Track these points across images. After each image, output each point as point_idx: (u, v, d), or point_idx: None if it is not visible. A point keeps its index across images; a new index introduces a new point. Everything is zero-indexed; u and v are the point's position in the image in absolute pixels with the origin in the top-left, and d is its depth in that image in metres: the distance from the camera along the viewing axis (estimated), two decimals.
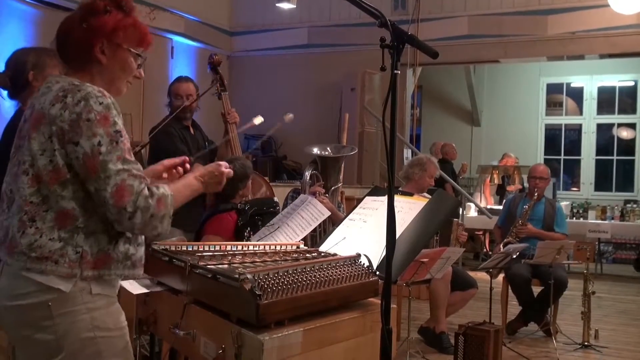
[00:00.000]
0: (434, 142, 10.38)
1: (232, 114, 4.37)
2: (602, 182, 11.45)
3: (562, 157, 11.81)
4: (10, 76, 2.68)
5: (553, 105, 11.89)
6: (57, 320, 1.69)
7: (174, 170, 2.11)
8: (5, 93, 2.73)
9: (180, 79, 4.33)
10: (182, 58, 8.74)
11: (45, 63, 2.67)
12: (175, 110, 4.17)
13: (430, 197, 2.81)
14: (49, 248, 1.68)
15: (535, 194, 5.32)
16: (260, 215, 3.39)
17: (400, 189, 4.39)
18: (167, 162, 2.13)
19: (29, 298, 1.68)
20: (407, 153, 8.87)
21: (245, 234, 3.27)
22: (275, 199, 3.88)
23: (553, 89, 11.80)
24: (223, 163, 2.04)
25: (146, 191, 1.68)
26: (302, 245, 2.56)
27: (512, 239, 5.19)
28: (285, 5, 9.02)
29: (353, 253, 2.20)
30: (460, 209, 7.98)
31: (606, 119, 11.49)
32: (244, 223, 3.28)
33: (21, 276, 1.68)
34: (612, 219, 8.69)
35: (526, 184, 6.43)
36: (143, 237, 1.84)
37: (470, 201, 8.90)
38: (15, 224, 1.71)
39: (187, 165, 2.11)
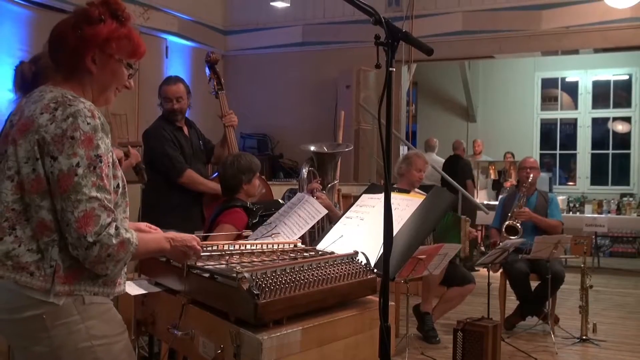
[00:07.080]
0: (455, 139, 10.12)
1: (228, 116, 4.25)
2: (598, 176, 11.47)
3: (558, 151, 11.82)
4: (34, 71, 2.56)
5: (548, 100, 11.91)
6: (52, 333, 1.67)
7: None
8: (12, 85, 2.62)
9: (169, 81, 4.12)
10: (177, 58, 8.72)
11: None
12: (168, 114, 4.08)
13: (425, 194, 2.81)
14: (26, 259, 1.66)
15: (528, 183, 5.32)
16: (269, 216, 3.38)
17: (395, 185, 4.41)
18: (148, 226, 2.09)
19: (23, 312, 1.66)
20: (403, 150, 8.86)
21: None
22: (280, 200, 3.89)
23: (548, 84, 11.81)
24: (197, 239, 1.97)
25: (112, 229, 1.64)
26: (299, 244, 2.56)
27: (511, 222, 5.20)
28: (279, 4, 9.02)
29: (350, 251, 2.20)
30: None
31: (601, 113, 11.51)
32: (255, 222, 3.28)
33: (12, 290, 1.66)
34: (609, 212, 8.71)
35: None
36: (125, 258, 1.72)
37: (467, 197, 8.89)
38: None
39: None
